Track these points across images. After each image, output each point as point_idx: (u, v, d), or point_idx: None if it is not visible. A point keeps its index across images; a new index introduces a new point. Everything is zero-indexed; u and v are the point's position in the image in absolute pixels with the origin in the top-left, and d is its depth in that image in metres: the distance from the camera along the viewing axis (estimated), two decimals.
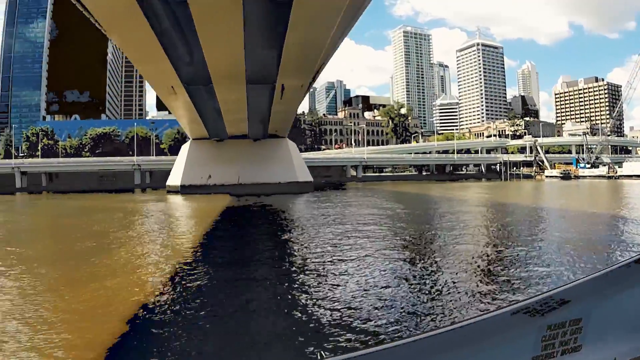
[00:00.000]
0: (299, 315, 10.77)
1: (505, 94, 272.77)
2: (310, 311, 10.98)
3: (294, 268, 16.27)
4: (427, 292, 12.49)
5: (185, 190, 68.02)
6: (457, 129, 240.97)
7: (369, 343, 8.93)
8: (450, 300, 11.69)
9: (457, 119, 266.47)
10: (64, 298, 12.55)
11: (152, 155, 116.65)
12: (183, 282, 14.01)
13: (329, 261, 16.69)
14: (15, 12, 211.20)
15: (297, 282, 13.92)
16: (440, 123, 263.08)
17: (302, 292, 12.71)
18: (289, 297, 12.46)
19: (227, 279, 14.55)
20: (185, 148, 71.82)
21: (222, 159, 70.09)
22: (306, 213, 41.66)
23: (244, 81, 48.77)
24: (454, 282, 13.09)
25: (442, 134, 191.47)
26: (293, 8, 35.10)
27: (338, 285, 13.22)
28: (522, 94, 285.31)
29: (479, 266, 15.74)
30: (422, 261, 16.88)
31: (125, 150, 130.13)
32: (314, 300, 11.78)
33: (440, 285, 13.06)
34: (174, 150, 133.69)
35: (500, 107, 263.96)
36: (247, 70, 45.67)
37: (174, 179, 71.49)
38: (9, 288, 13.50)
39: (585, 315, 2.16)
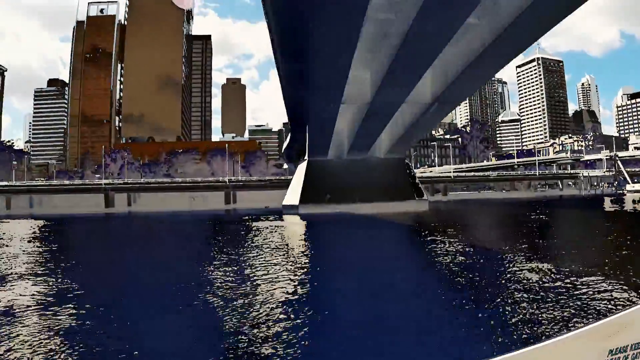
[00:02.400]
0: None
1: (567, 108, 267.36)
2: None
3: None
4: None
5: (303, 209, 68.06)
6: (520, 146, 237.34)
7: None
8: None
9: (519, 135, 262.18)
10: None
11: (238, 176, 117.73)
12: None
13: None
14: (82, 38, 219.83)
15: None
16: (502, 140, 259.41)
17: None
18: None
19: None
20: (302, 167, 71.96)
21: (340, 178, 69.98)
22: None
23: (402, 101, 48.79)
24: None
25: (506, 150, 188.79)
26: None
27: None
28: (583, 108, 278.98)
29: None
30: None
31: (206, 171, 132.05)
32: None
33: None
34: (254, 170, 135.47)
35: (562, 122, 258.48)
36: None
37: (292, 198, 71.69)
38: None
39: None
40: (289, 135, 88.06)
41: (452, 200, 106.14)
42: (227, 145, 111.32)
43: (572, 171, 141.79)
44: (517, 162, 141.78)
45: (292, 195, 71.76)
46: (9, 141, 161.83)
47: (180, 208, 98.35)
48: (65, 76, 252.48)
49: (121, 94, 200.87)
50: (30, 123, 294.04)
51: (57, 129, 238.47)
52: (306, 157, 73.66)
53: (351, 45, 35.15)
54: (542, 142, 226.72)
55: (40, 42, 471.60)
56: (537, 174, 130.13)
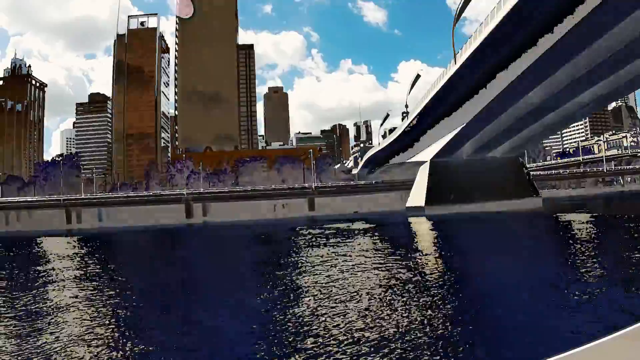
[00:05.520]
0: None
1: (606, 105, 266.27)
2: None
3: None
4: None
5: (429, 210, 68.99)
6: (561, 146, 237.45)
7: None
8: None
9: (559, 135, 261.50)
10: None
11: (311, 182, 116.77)
12: None
13: None
14: (124, 51, 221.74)
15: None
16: (545, 140, 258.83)
17: None
18: None
19: None
20: (425, 168, 72.82)
21: (462, 178, 70.98)
22: None
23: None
24: None
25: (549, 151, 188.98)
26: None
27: None
28: (621, 104, 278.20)
29: None
30: None
31: (275, 178, 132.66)
32: None
33: None
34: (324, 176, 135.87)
35: (602, 119, 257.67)
36: None
37: (416, 199, 72.65)
38: None
39: None
40: (392, 137, 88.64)
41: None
42: (311, 150, 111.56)
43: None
44: (583, 159, 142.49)
45: (417, 197, 72.70)
46: (72, 154, 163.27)
47: (266, 217, 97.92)
48: (90, 92, 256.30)
49: (175, 106, 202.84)
50: (67, 138, 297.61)
51: (100, 143, 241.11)
52: (424, 159, 74.43)
53: None
54: (584, 141, 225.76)
55: (65, 60, 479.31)
56: (605, 170, 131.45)
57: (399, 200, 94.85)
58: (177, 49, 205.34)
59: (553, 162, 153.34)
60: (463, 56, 46.05)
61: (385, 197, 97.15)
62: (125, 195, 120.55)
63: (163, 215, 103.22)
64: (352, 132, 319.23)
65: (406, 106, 79.40)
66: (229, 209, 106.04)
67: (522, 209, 68.24)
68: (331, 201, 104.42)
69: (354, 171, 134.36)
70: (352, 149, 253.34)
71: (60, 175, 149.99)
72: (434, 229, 51.17)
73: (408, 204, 74.68)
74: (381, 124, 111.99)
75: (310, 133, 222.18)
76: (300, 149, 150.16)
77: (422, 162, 74.76)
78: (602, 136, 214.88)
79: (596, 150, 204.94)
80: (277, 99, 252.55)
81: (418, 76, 76.25)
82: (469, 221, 56.70)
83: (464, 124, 56.82)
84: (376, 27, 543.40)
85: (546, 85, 45.86)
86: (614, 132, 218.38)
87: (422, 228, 53.64)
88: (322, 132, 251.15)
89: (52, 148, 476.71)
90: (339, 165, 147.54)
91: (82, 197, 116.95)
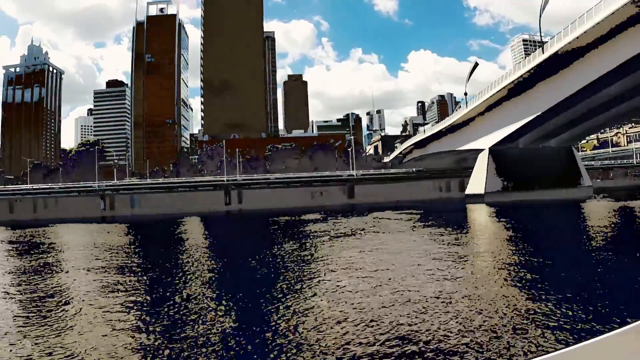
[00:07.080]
0: None
1: None
2: None
3: None
4: None
5: (489, 198, 69.88)
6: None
7: None
8: None
9: None
10: None
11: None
12: None
13: None
14: (143, 38, 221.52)
15: None
16: None
17: None
18: None
19: None
20: (484, 156, 73.53)
21: (518, 166, 71.84)
22: None
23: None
24: None
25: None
26: None
27: None
28: None
29: None
30: None
31: (307, 166, 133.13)
32: None
33: None
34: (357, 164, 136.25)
35: None
36: None
37: (475, 187, 73.49)
38: None
39: None
40: (444, 123, 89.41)
41: None
42: (351, 138, 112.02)
43: None
44: (612, 150, 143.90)
45: (477, 184, 73.55)
46: (96, 141, 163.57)
47: (306, 204, 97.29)
48: (102, 81, 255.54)
49: (201, 92, 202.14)
50: (82, 126, 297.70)
51: (119, 130, 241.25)
52: (480, 147, 75.05)
53: None
54: (605, 133, 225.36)
55: (75, 49, 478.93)
56: (635, 162, 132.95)
57: (438, 189, 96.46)
58: (202, 35, 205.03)
59: (581, 153, 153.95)
60: (555, 47, 46.41)
61: (425, 186, 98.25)
62: (163, 182, 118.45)
63: (201, 202, 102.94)
64: (364, 121, 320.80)
65: (465, 94, 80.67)
66: (266, 196, 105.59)
67: (576, 197, 68.99)
68: (370, 189, 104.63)
69: (386, 159, 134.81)
70: (369, 137, 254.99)
71: (86, 162, 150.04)
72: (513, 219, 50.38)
73: (467, 192, 75.70)
74: (425, 112, 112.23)
75: (332, 121, 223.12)
76: (331, 136, 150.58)
77: (466, 151, 75.94)
78: (621, 128, 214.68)
79: (615, 141, 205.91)
80: (297, 87, 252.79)
81: (476, 64, 77.46)
82: (542, 210, 56.81)
83: (538, 114, 57.17)
84: (387, 16, 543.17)
85: (630, 77, 46.55)
86: (633, 125, 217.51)
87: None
88: (338, 120, 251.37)
89: (63, 136, 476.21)
90: (362, 153, 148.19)
91: (119, 183, 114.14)
